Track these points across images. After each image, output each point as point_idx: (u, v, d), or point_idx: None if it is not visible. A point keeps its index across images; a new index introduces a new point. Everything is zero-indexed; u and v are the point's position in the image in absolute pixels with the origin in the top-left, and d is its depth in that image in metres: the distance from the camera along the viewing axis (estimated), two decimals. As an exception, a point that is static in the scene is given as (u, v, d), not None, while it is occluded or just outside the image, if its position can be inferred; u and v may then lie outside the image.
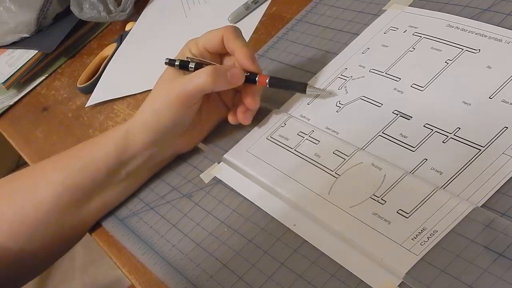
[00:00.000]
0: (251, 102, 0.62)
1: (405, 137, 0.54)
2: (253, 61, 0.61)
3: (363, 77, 0.62)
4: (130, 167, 0.64)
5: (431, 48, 0.60)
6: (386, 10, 0.67)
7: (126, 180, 0.65)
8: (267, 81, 0.62)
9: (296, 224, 0.54)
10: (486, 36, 0.57)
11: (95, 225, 0.68)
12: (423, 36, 0.61)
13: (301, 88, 0.63)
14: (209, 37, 0.63)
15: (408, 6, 0.65)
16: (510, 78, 0.52)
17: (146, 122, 0.61)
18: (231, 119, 0.64)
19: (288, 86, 0.64)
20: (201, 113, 0.64)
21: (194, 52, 0.63)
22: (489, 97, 0.52)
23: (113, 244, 0.65)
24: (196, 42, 0.64)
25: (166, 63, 0.63)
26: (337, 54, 0.66)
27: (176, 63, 0.62)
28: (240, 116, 0.63)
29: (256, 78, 0.62)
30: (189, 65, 0.62)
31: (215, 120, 0.67)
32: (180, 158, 0.68)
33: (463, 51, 0.57)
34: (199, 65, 0.62)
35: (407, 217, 0.48)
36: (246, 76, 0.62)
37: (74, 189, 0.63)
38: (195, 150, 0.67)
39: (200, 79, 0.59)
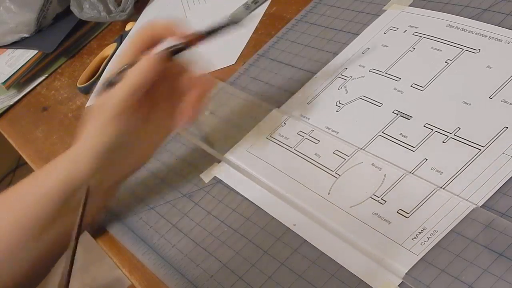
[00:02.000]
0: (192, 110, 0.58)
1: (405, 137, 0.54)
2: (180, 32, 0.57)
3: (363, 77, 0.62)
4: (80, 195, 0.57)
5: (431, 48, 0.60)
6: (386, 10, 0.67)
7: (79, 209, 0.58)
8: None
9: (296, 224, 0.54)
10: (486, 36, 0.57)
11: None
12: (423, 36, 0.61)
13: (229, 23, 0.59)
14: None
15: (408, 6, 0.65)
16: (510, 78, 0.52)
17: (88, 147, 0.57)
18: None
19: (218, 30, 0.59)
20: (148, 124, 0.59)
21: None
22: (489, 97, 0.52)
23: (113, 244, 0.65)
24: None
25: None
26: (337, 54, 0.66)
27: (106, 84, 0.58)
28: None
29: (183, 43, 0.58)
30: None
31: (166, 130, 0.62)
32: (180, 158, 0.68)
33: (463, 51, 0.57)
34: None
35: (407, 217, 0.48)
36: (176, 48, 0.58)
37: (24, 228, 0.59)
38: (195, 150, 0.67)
39: (131, 78, 0.56)
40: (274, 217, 0.55)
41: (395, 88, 0.59)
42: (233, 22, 0.59)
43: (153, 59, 0.56)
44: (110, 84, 0.57)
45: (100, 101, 0.58)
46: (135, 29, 0.57)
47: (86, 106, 0.88)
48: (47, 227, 0.60)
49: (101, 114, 0.57)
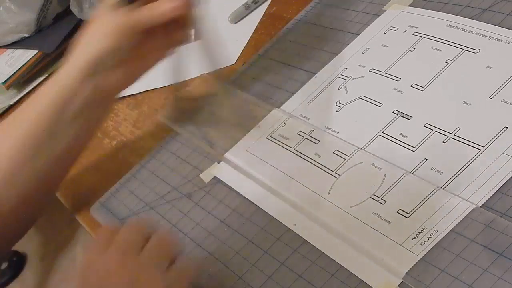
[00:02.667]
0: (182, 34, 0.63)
1: (405, 137, 0.54)
2: None
3: (363, 77, 0.62)
4: (73, 106, 0.61)
5: (431, 48, 0.60)
6: (386, 10, 0.67)
7: (75, 122, 0.62)
8: None
9: (296, 224, 0.54)
10: (486, 36, 0.57)
11: (95, 225, 0.68)
12: (423, 36, 0.61)
13: None
14: None
15: (408, 6, 0.65)
16: (510, 78, 0.52)
17: (80, 58, 0.60)
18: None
19: None
20: (141, 46, 0.62)
21: None
22: (489, 97, 0.52)
23: (113, 244, 0.65)
24: None
25: None
26: (337, 54, 0.66)
27: None
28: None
29: None
30: None
31: (159, 54, 0.65)
32: (179, 157, 0.68)
33: (463, 51, 0.57)
34: None
35: (407, 217, 0.48)
36: None
37: (25, 147, 0.62)
38: (195, 150, 0.67)
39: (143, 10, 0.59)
40: (274, 217, 0.55)
41: (395, 88, 0.59)
42: None
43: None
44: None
45: (99, 16, 0.61)
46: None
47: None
48: (40, 151, 0.62)
49: (98, 28, 0.60)
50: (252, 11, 0.83)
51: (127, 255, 0.50)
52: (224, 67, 0.77)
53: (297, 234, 0.53)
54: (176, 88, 0.73)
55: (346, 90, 0.62)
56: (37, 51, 1.02)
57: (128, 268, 0.50)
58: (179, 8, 0.59)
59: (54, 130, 0.62)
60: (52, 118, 0.61)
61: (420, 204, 0.48)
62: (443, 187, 0.49)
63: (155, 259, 0.51)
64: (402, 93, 0.58)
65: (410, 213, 0.48)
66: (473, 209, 0.46)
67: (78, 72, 0.60)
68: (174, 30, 0.63)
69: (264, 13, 0.82)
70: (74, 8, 0.98)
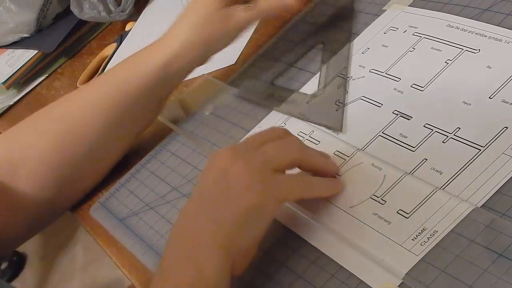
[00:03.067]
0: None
1: (405, 137, 0.54)
2: None
3: (363, 77, 0.62)
4: (167, 92, 0.68)
5: (431, 48, 0.60)
6: (386, 10, 0.67)
7: (161, 103, 0.69)
8: None
9: (296, 224, 0.54)
10: (486, 36, 0.57)
11: (95, 225, 0.68)
12: (423, 36, 0.61)
13: None
14: None
15: (408, 6, 0.65)
16: (510, 78, 0.52)
17: (194, 54, 0.64)
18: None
19: None
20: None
21: None
22: (489, 97, 0.52)
23: (113, 244, 0.65)
24: None
25: None
26: (337, 54, 0.66)
27: None
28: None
29: None
30: None
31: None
32: (179, 158, 0.68)
33: (463, 51, 0.57)
34: None
35: (407, 217, 0.48)
36: None
37: (113, 124, 0.66)
38: (195, 150, 0.67)
39: (253, 13, 0.64)
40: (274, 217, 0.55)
41: (395, 89, 0.59)
42: None
43: None
44: None
45: (220, 16, 0.64)
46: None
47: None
48: (150, 97, 0.66)
49: (213, 30, 0.63)
50: (252, 11, 0.83)
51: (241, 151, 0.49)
52: (224, 67, 0.77)
53: (297, 234, 0.53)
54: (177, 89, 0.73)
55: (346, 90, 0.62)
56: (37, 51, 1.03)
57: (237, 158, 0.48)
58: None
59: (159, 86, 0.66)
60: (159, 76, 0.64)
61: (420, 205, 0.48)
62: (443, 187, 0.49)
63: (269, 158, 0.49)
64: (402, 93, 0.58)
65: (410, 214, 0.48)
66: (473, 210, 0.46)
67: (184, 67, 0.65)
68: None
69: (264, 13, 0.81)
70: (74, 8, 0.98)
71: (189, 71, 0.67)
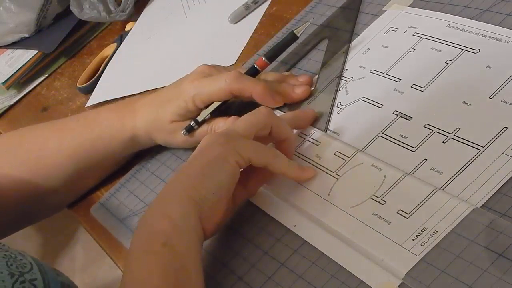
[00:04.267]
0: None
1: (405, 137, 0.54)
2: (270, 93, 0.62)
3: (363, 78, 0.62)
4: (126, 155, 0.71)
5: (431, 48, 0.60)
6: (386, 10, 0.67)
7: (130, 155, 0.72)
8: (264, 59, 0.65)
9: (296, 224, 0.54)
10: (486, 36, 0.57)
11: (95, 225, 0.68)
12: (423, 36, 0.61)
13: (292, 37, 0.65)
14: (212, 93, 0.63)
15: (408, 6, 0.65)
16: (510, 78, 0.52)
17: (150, 137, 0.67)
18: None
19: (282, 46, 0.66)
20: None
21: (197, 105, 0.64)
22: (489, 97, 0.52)
23: (113, 244, 0.65)
24: (196, 99, 0.64)
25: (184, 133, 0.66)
26: (337, 54, 0.66)
27: (193, 125, 0.65)
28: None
29: (255, 66, 0.64)
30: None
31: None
32: (179, 158, 0.68)
33: (463, 51, 0.57)
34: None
35: (407, 218, 0.48)
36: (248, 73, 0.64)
37: (83, 171, 0.69)
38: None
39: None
40: (274, 217, 0.55)
41: (395, 89, 0.59)
42: (293, 39, 0.66)
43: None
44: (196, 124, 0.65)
45: (168, 127, 0.66)
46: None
47: (86, 106, 0.88)
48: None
49: (160, 132, 0.67)
50: (252, 11, 0.83)
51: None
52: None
53: (297, 234, 0.53)
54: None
55: (346, 91, 0.62)
56: (37, 51, 1.03)
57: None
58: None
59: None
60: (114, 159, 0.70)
61: (420, 205, 0.48)
62: (443, 187, 0.49)
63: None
64: (402, 94, 0.58)
65: (410, 214, 0.48)
66: (473, 210, 0.46)
67: (149, 144, 0.70)
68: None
69: (264, 13, 0.82)
70: (74, 8, 0.98)
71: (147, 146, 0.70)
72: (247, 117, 0.56)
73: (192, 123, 0.65)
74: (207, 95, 0.63)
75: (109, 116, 0.69)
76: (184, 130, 0.65)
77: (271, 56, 0.65)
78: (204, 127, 0.65)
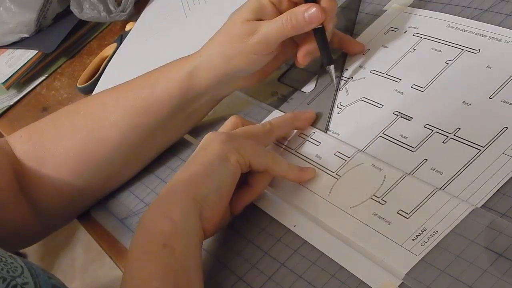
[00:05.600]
0: (303, 59, 0.62)
1: (405, 137, 0.54)
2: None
3: (363, 78, 0.62)
4: (193, 106, 0.65)
5: (432, 48, 0.60)
6: (386, 10, 0.67)
7: (189, 117, 0.66)
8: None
9: (297, 224, 0.54)
10: (486, 36, 0.57)
11: (95, 225, 0.68)
12: (423, 36, 0.61)
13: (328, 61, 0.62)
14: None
15: (408, 6, 0.65)
16: (510, 78, 0.52)
17: (214, 65, 0.62)
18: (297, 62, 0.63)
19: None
20: (264, 57, 0.62)
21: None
22: (489, 97, 0.52)
23: (113, 244, 0.65)
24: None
25: None
26: (338, 54, 0.66)
27: None
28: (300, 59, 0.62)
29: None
30: None
31: (281, 60, 0.66)
32: (179, 158, 0.68)
33: (463, 51, 0.57)
34: None
35: (407, 218, 0.48)
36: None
37: (139, 130, 0.65)
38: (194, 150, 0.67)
39: (278, 25, 0.59)
40: (275, 217, 0.55)
41: (395, 89, 0.59)
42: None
43: (304, 20, 0.59)
44: None
45: (244, 21, 0.61)
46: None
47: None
48: (154, 135, 0.65)
49: (238, 40, 0.60)
50: (252, 11, 0.83)
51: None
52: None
53: (298, 234, 0.53)
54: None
55: (346, 91, 0.62)
56: (37, 51, 1.03)
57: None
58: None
59: (168, 123, 0.65)
60: (169, 114, 0.64)
61: (420, 205, 0.48)
62: (443, 187, 0.49)
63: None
64: (402, 94, 0.58)
65: (410, 214, 0.48)
66: (473, 210, 0.46)
67: (206, 82, 0.63)
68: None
69: (264, 13, 0.81)
70: (74, 8, 0.98)
71: (213, 87, 0.64)
72: (248, 127, 0.57)
73: None
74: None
75: (168, 65, 0.66)
76: None
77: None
78: (279, 19, 0.59)
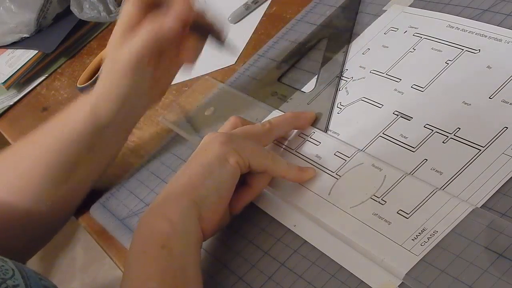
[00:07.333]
0: (189, 57, 0.62)
1: (405, 137, 0.54)
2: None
3: (363, 78, 0.62)
4: (106, 135, 0.65)
5: (431, 48, 0.60)
6: (386, 10, 0.67)
7: (106, 147, 0.66)
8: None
9: (297, 224, 0.54)
10: (486, 36, 0.57)
11: (95, 225, 0.68)
12: (423, 36, 0.61)
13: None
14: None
15: (409, 6, 0.65)
16: (510, 78, 0.52)
17: (107, 96, 0.62)
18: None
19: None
20: (157, 71, 0.62)
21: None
22: (489, 97, 0.52)
23: (113, 244, 0.65)
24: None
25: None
26: (337, 54, 0.66)
27: None
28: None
29: None
30: None
31: (172, 73, 0.66)
32: (179, 158, 0.68)
33: (463, 51, 0.57)
34: None
35: (407, 218, 0.48)
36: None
37: (58, 168, 0.65)
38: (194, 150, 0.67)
39: (143, 37, 0.59)
40: (275, 217, 0.55)
41: (395, 89, 0.59)
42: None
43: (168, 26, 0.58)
44: None
45: (115, 54, 0.62)
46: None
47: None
48: (75, 169, 0.65)
49: (116, 67, 0.61)
50: (252, 11, 0.83)
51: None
52: (224, 67, 0.77)
53: (298, 234, 0.53)
54: (177, 89, 0.73)
55: (347, 91, 0.62)
56: (37, 51, 1.03)
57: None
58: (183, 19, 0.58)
59: (86, 156, 0.65)
60: (85, 148, 0.65)
61: (420, 205, 0.48)
62: (443, 187, 0.49)
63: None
64: (402, 94, 0.58)
65: (410, 214, 0.48)
66: (473, 210, 0.46)
67: (109, 110, 0.63)
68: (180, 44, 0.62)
69: (264, 13, 0.82)
70: (74, 8, 0.98)
71: (117, 117, 0.64)
72: (248, 127, 0.58)
73: None
74: None
75: (72, 105, 0.67)
76: None
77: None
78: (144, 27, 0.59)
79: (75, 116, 0.65)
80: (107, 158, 0.68)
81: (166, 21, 0.58)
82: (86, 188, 0.69)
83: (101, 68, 0.64)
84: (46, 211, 0.67)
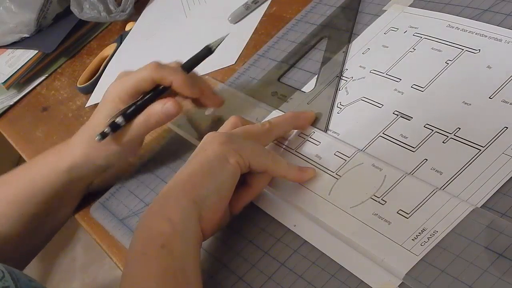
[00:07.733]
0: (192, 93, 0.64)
1: (405, 137, 0.54)
2: (191, 85, 0.64)
3: (363, 78, 0.62)
4: (81, 185, 0.69)
5: (431, 48, 0.60)
6: (386, 10, 0.67)
7: (81, 192, 0.70)
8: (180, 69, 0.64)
9: (297, 224, 0.54)
10: (486, 36, 0.57)
11: (95, 225, 0.68)
12: (423, 36, 0.61)
13: (207, 52, 0.66)
14: (136, 83, 0.63)
15: (409, 6, 0.65)
16: (510, 78, 0.52)
17: (86, 162, 0.66)
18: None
19: (196, 60, 0.66)
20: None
21: (124, 102, 0.64)
22: (489, 97, 0.52)
23: (113, 244, 0.65)
24: (122, 95, 0.64)
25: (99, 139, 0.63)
26: (337, 54, 0.66)
27: (106, 131, 0.63)
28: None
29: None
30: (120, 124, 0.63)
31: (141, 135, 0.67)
32: (179, 158, 0.68)
33: (463, 51, 0.57)
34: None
35: (407, 218, 0.48)
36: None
37: (31, 217, 0.67)
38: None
39: (141, 123, 0.63)
40: (275, 217, 0.55)
41: (395, 89, 0.59)
42: (208, 52, 0.66)
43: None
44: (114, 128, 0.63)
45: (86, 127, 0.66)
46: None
47: (86, 106, 0.88)
48: (50, 213, 0.68)
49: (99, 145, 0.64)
50: (252, 11, 0.83)
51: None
52: (224, 67, 0.77)
53: (298, 234, 0.53)
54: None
55: (346, 91, 0.62)
56: (37, 51, 1.03)
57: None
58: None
59: (64, 191, 0.67)
60: (57, 199, 0.67)
61: (420, 205, 0.48)
62: (443, 187, 0.49)
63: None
64: (402, 94, 0.58)
65: (410, 214, 0.48)
66: (473, 210, 0.46)
67: (85, 174, 0.67)
68: None
69: (264, 13, 0.82)
70: (74, 8, 0.98)
71: (97, 171, 0.68)
72: (248, 126, 0.58)
73: (117, 119, 0.63)
74: (131, 87, 0.63)
75: (47, 154, 0.69)
76: (108, 128, 0.62)
77: (187, 67, 0.65)
78: (140, 118, 0.63)
79: (46, 176, 0.67)
80: (79, 198, 0.71)
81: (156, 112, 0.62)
82: (57, 226, 0.71)
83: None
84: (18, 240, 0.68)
